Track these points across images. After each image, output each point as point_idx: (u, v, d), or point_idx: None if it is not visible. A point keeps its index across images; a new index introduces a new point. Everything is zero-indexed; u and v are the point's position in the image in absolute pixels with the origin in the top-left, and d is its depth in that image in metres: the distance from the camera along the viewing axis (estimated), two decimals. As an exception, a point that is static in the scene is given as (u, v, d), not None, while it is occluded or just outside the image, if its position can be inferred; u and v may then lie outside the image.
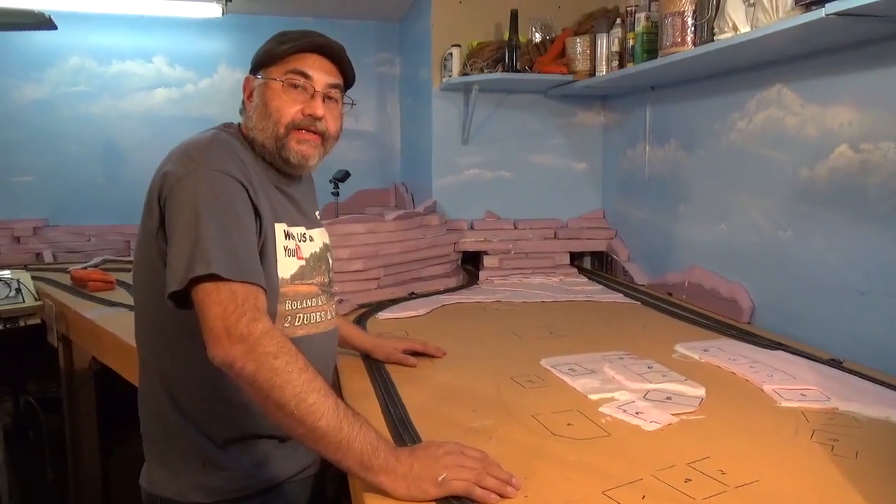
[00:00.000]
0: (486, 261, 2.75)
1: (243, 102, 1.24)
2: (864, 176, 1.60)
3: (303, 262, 1.19)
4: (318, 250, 1.25)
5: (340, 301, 2.11)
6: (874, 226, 1.57)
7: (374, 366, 1.55)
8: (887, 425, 1.22)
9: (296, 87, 1.17)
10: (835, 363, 1.55)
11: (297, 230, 1.20)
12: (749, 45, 1.66)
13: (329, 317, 1.27)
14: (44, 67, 3.31)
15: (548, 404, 1.31)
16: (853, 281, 1.63)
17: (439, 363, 1.60)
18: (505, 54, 2.60)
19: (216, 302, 0.95)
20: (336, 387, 1.57)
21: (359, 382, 1.46)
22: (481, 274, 2.70)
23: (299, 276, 1.18)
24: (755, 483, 0.99)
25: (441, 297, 2.34)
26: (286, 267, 1.16)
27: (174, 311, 1.01)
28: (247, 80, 1.22)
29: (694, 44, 1.89)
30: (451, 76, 2.72)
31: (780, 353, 1.63)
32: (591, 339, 1.80)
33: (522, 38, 2.65)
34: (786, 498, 0.95)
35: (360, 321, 1.99)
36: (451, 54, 2.72)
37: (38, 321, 2.46)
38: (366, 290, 2.28)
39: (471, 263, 2.86)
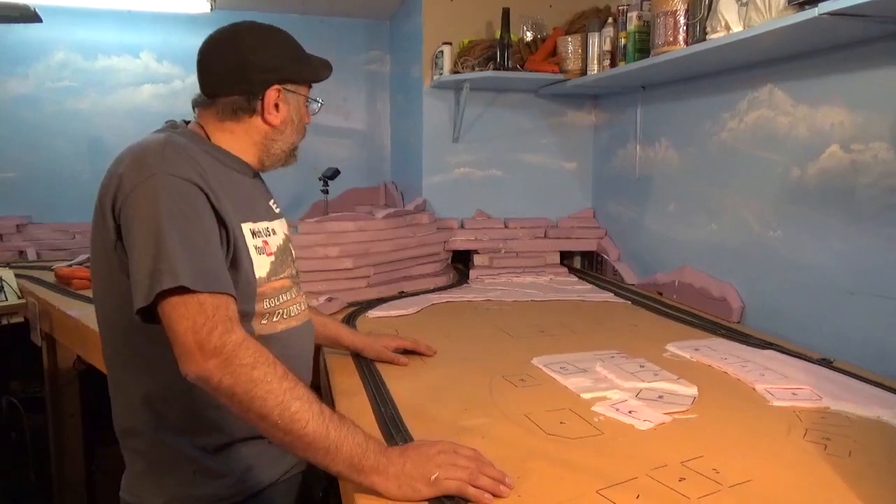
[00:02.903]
0: (477, 260, 2.74)
1: (232, 105, 1.17)
2: (854, 176, 1.60)
3: (273, 258, 1.18)
4: (282, 242, 1.24)
5: (330, 299, 2.10)
6: (864, 226, 1.58)
7: (365, 365, 1.53)
8: (879, 425, 1.22)
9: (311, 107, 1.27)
10: (825, 363, 1.56)
11: (261, 226, 1.18)
12: (741, 45, 1.66)
13: (303, 307, 1.27)
14: (29, 62, 3.26)
15: (540, 403, 1.30)
16: (843, 281, 1.64)
17: (430, 362, 1.59)
18: (496, 53, 2.59)
19: (184, 316, 0.92)
20: (325, 386, 1.55)
21: (349, 381, 1.44)
22: (471, 273, 2.68)
23: (273, 272, 1.17)
24: (749, 482, 0.98)
25: (431, 295, 2.33)
26: (260, 266, 1.14)
27: (145, 325, 0.96)
28: (275, 90, 1.18)
29: (686, 43, 1.89)
30: (441, 74, 2.71)
31: (771, 352, 1.63)
32: (582, 338, 1.79)
33: (514, 37, 2.65)
34: (780, 497, 0.95)
35: (350, 319, 1.97)
36: (441, 52, 2.71)
37: (22, 319, 2.42)
38: (355, 288, 2.27)
39: (461, 262, 2.85)
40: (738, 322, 1.97)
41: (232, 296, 0.98)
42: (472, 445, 1.01)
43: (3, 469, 2.76)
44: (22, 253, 3.17)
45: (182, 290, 0.92)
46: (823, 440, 1.14)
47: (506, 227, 2.84)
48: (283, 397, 0.90)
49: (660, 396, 1.33)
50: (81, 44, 3.31)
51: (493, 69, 2.57)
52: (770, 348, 1.67)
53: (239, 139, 1.20)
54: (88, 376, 2.45)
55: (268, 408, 0.89)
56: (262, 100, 1.18)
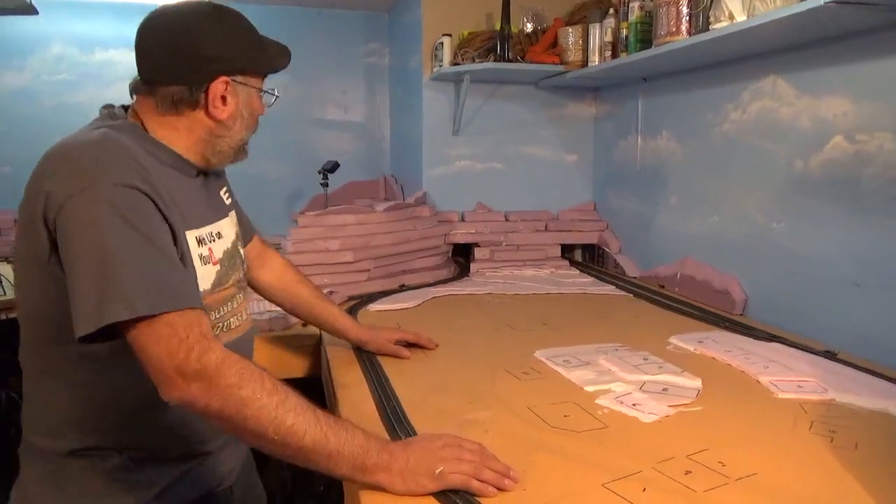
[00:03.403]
0: (477, 253, 2.73)
1: (173, 97, 1.03)
2: (859, 167, 1.59)
3: (218, 267, 1.09)
4: (229, 245, 1.15)
5: (331, 293, 2.08)
6: (869, 217, 1.57)
7: (367, 358, 1.52)
8: (885, 417, 1.21)
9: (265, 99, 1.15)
10: (829, 355, 1.55)
11: (206, 231, 1.09)
12: (745, 35, 1.64)
13: (244, 317, 1.19)
14: (25, 55, 3.23)
15: (544, 396, 1.29)
16: (848, 273, 1.63)
17: (432, 355, 1.58)
18: (496, 44, 2.57)
19: (155, 341, 0.85)
20: (327, 379, 1.54)
21: (351, 375, 1.43)
22: (472, 266, 2.67)
23: (217, 282, 1.09)
24: (756, 475, 0.98)
25: (432, 289, 2.32)
26: (205, 277, 1.06)
27: (70, 340, 0.87)
28: (223, 82, 1.04)
29: (689, 33, 1.87)
30: (441, 66, 2.69)
31: (774, 344, 1.62)
32: (584, 331, 1.78)
33: (514, 28, 2.63)
34: (788, 490, 0.94)
35: (351, 313, 1.95)
36: (441, 44, 2.69)
37: (20, 314, 2.41)
38: (356, 281, 2.26)
39: (461, 255, 2.84)
40: (741, 314, 1.96)
41: (199, 306, 0.91)
42: (475, 439, 1.00)
43: (3, 465, 2.75)
44: (20, 247, 3.15)
45: (146, 317, 0.85)
46: (829, 433, 1.13)
47: (506, 220, 2.83)
48: (275, 412, 0.85)
49: (664, 389, 1.32)
50: (78, 37, 3.28)
51: (494, 61, 2.55)
52: (774, 340, 1.66)
53: (180, 134, 1.06)
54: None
55: (262, 426, 0.85)
56: (207, 92, 1.04)
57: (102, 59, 3.32)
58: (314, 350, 1.79)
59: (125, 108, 1.09)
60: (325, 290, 2.08)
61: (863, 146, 1.58)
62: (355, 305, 2.05)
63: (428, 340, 1.60)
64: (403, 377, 1.40)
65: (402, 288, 2.33)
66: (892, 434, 1.14)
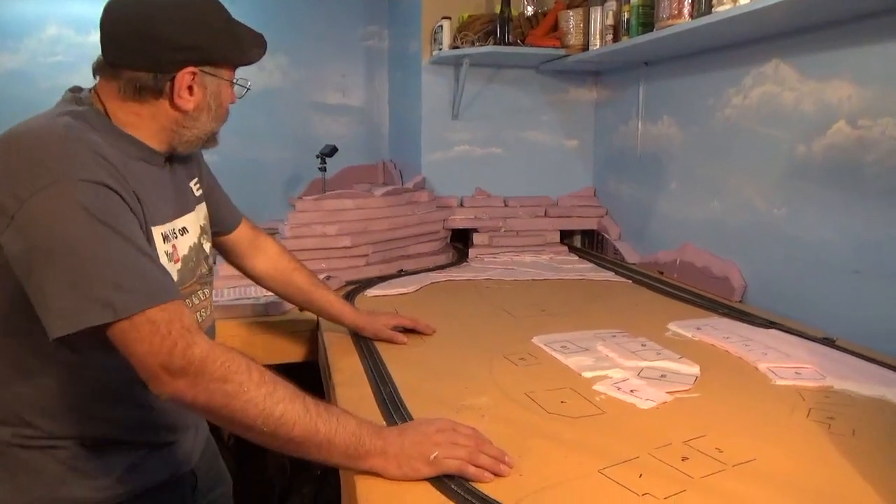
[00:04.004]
0: (476, 238, 2.72)
1: (136, 83, 0.97)
2: (861, 153, 1.57)
3: (179, 265, 1.06)
4: (195, 241, 1.12)
5: (328, 278, 2.08)
6: (871, 204, 1.55)
7: (364, 344, 1.52)
8: (883, 404, 1.21)
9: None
10: (828, 342, 1.54)
11: (170, 227, 1.05)
12: (749, 18, 1.62)
13: (207, 312, 1.16)
14: (20, 37, 3.20)
15: (541, 382, 1.28)
16: (848, 259, 1.62)
17: (430, 341, 1.57)
18: (496, 27, 2.54)
19: (139, 340, 0.83)
20: (324, 366, 1.54)
21: (348, 360, 1.43)
22: (471, 252, 2.66)
23: (181, 281, 1.06)
24: (753, 461, 0.97)
25: (430, 274, 2.31)
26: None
27: (23, 331, 0.87)
28: (191, 72, 0.99)
29: (691, 16, 1.84)
30: (441, 49, 2.66)
31: (773, 331, 1.62)
32: (583, 317, 1.78)
33: (514, 11, 2.59)
34: (784, 476, 0.93)
35: (349, 298, 1.95)
36: (441, 27, 2.66)
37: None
38: (354, 266, 2.25)
39: (460, 241, 2.83)
40: (741, 301, 1.95)
41: (179, 298, 0.89)
42: (472, 424, 0.99)
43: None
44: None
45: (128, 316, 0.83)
46: (827, 419, 1.13)
47: (506, 205, 2.81)
48: (264, 404, 0.85)
49: (662, 375, 1.31)
50: (74, 18, 3.24)
51: (494, 44, 2.52)
52: (772, 327, 1.65)
53: (144, 122, 1.01)
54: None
55: (250, 418, 0.85)
56: (173, 81, 0.99)
57: (98, 40, 3.28)
58: (311, 335, 1.79)
59: (91, 90, 1.04)
60: (322, 276, 2.07)
61: (865, 132, 1.56)
62: (353, 290, 2.05)
63: (426, 326, 1.60)
64: (400, 363, 1.39)
65: (401, 273, 2.32)
66: (889, 420, 1.13)
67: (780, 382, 1.30)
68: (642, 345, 1.48)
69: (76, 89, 1.04)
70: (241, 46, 1.06)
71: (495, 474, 0.90)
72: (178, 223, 1.08)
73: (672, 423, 1.10)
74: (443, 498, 0.86)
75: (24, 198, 0.83)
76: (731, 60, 2.01)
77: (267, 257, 1.44)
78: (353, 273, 2.22)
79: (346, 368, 1.37)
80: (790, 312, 1.77)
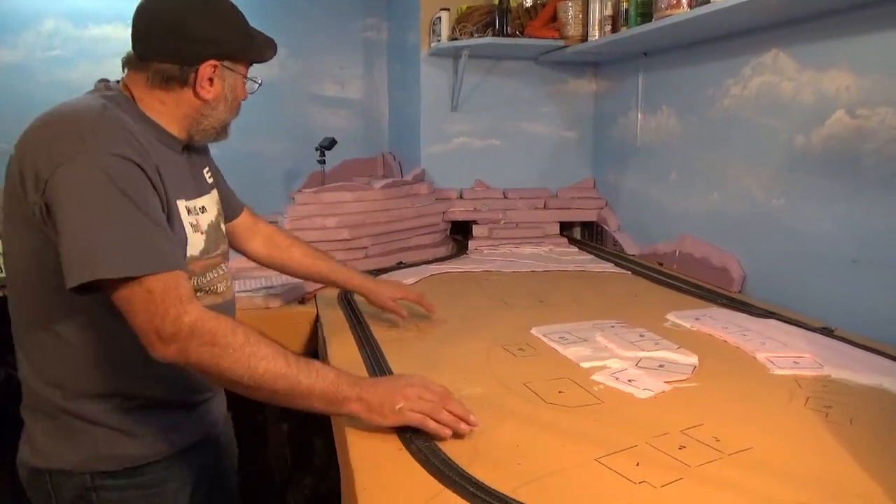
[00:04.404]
0: (476, 230, 2.71)
1: (164, 73, 1.08)
2: (860, 142, 1.57)
3: (205, 237, 1.16)
4: (213, 219, 1.21)
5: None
6: (869, 193, 1.55)
7: (363, 334, 1.52)
8: (880, 392, 1.21)
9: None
10: (826, 331, 1.55)
11: (193, 203, 1.15)
12: (748, 7, 1.61)
13: (229, 284, 1.26)
14: (18, 31, 3.18)
15: (539, 372, 1.29)
16: (847, 249, 1.62)
17: (429, 332, 1.58)
18: (495, 18, 2.53)
19: (136, 310, 0.92)
20: (323, 355, 1.54)
21: (347, 352, 1.43)
22: (471, 244, 2.66)
23: (205, 251, 1.16)
24: (750, 450, 0.98)
25: (430, 266, 2.31)
26: (194, 244, 1.13)
27: (61, 292, 0.93)
28: (212, 65, 1.10)
29: (690, 6, 1.84)
30: (439, 41, 2.66)
31: (772, 321, 1.62)
32: (582, 308, 1.78)
33: (513, 2, 2.59)
34: (781, 464, 0.94)
35: (348, 290, 1.95)
36: (439, 18, 2.65)
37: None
38: (353, 259, 2.25)
39: (460, 233, 2.83)
40: (739, 291, 1.95)
41: (180, 269, 0.97)
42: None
43: (5, 442, 2.77)
44: (17, 225, 3.14)
45: (128, 278, 0.91)
46: (824, 408, 1.13)
47: (505, 197, 2.81)
48: (248, 362, 0.94)
49: (660, 365, 1.32)
50: (72, 12, 3.23)
51: (492, 35, 2.52)
52: (771, 317, 1.66)
53: (168, 109, 1.12)
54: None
55: (237, 376, 0.94)
56: (196, 72, 1.09)
57: (96, 34, 3.27)
58: (311, 327, 1.79)
59: (117, 82, 1.14)
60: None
61: (864, 121, 1.56)
62: (352, 283, 2.05)
63: (429, 305, 1.64)
64: (399, 353, 1.40)
65: (400, 265, 2.32)
66: (886, 409, 1.14)
67: (778, 372, 1.30)
68: (641, 335, 1.48)
69: (104, 80, 1.14)
70: (256, 45, 1.18)
71: (456, 432, 0.97)
72: (199, 202, 1.18)
73: (670, 413, 1.11)
74: (441, 486, 0.87)
75: (57, 164, 0.93)
76: (730, 50, 2.01)
77: (265, 238, 1.53)
78: (353, 265, 2.21)
79: (344, 360, 1.38)
80: (789, 302, 1.77)
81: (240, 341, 0.94)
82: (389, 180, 2.61)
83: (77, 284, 0.90)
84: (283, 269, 1.57)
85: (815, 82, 1.70)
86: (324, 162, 3.11)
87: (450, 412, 0.99)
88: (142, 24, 1.08)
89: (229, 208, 1.39)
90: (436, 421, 0.98)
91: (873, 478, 0.90)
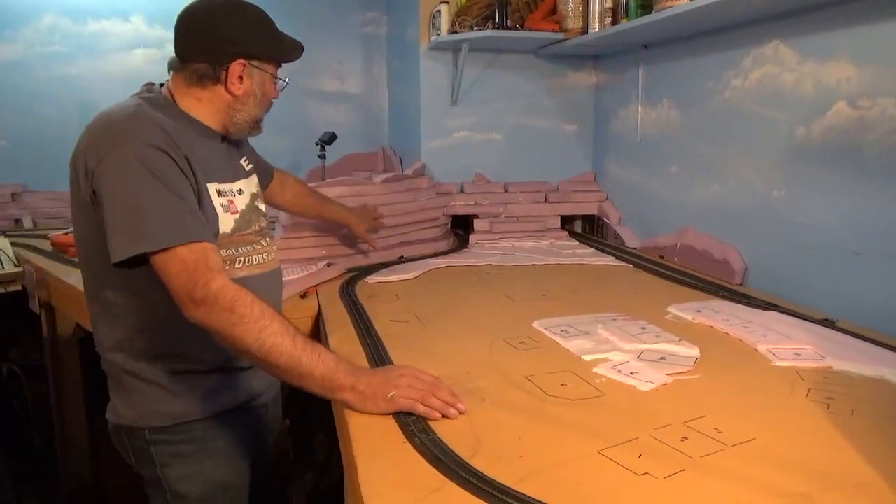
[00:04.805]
0: (477, 224, 2.71)
1: (199, 72, 1.23)
2: (861, 133, 1.57)
3: (237, 216, 1.28)
4: (248, 200, 1.34)
5: (329, 265, 2.08)
6: (871, 184, 1.55)
7: (365, 329, 1.53)
8: (882, 384, 1.21)
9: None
10: (827, 323, 1.55)
11: (227, 186, 1.28)
12: (748, -2, 1.61)
13: (271, 257, 1.38)
14: (16, 26, 3.18)
15: (541, 366, 1.29)
16: (848, 241, 1.62)
17: (431, 326, 1.58)
18: (495, 12, 2.52)
19: (172, 276, 1.06)
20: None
21: (349, 347, 1.43)
22: (471, 237, 2.66)
23: (237, 229, 1.28)
24: (752, 441, 0.98)
25: (431, 260, 2.31)
26: (225, 223, 1.25)
27: (126, 272, 1.10)
28: (240, 63, 1.24)
29: (690, -2, 1.83)
30: (439, 35, 2.65)
31: (773, 313, 1.62)
32: (583, 302, 1.78)
33: (513, -5, 2.58)
34: (782, 456, 0.94)
35: (350, 285, 1.96)
36: (439, 12, 2.64)
37: (19, 288, 2.41)
38: (354, 253, 2.25)
39: (461, 227, 2.83)
40: (741, 284, 1.96)
41: (209, 241, 1.10)
42: (472, 408, 1.02)
43: (7, 436, 2.78)
44: (18, 221, 3.14)
45: (164, 248, 1.05)
46: (826, 399, 1.13)
47: (506, 191, 2.81)
48: (258, 334, 1.04)
49: (661, 358, 1.32)
50: (70, 7, 3.22)
51: (492, 29, 2.51)
52: (772, 309, 1.66)
53: (203, 105, 1.26)
54: (89, 342, 2.45)
55: (246, 343, 1.05)
56: (227, 70, 1.24)
57: (96, 29, 3.27)
58: (313, 322, 1.79)
59: (161, 84, 1.30)
60: (323, 262, 2.08)
61: (865, 112, 1.55)
62: (354, 277, 2.05)
63: (373, 241, 2.11)
64: (401, 347, 1.40)
65: (401, 260, 2.32)
66: (888, 400, 1.14)
67: (779, 364, 1.31)
68: (642, 328, 1.49)
69: (150, 84, 1.30)
70: (283, 48, 1.31)
71: (444, 416, 1.04)
72: (235, 185, 1.31)
73: (671, 405, 1.11)
74: (444, 478, 0.87)
75: (101, 157, 1.09)
76: (730, 42, 2.00)
77: (289, 190, 1.83)
78: (354, 260, 2.22)
79: (346, 354, 1.37)
80: (790, 294, 1.77)
81: (255, 314, 1.05)
82: (390, 175, 2.61)
83: (121, 259, 1.05)
84: (300, 213, 1.97)
85: (815, 73, 1.70)
86: (324, 157, 3.11)
87: (439, 399, 1.05)
88: (181, 29, 1.24)
89: (265, 177, 1.62)
90: (425, 405, 1.04)
91: (875, 469, 0.90)
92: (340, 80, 3.59)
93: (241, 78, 1.25)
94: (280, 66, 1.33)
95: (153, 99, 1.23)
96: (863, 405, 1.11)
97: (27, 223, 3.13)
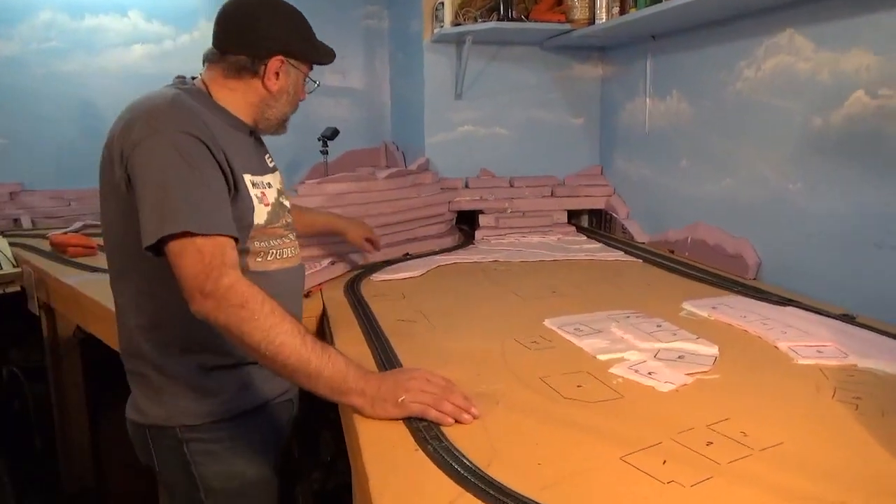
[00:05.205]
0: (482, 220, 2.67)
1: (238, 64, 1.24)
2: (881, 123, 1.52)
3: (269, 209, 1.28)
4: (276, 195, 1.34)
5: (333, 263, 2.04)
6: (893, 175, 1.50)
7: (372, 330, 1.48)
8: (910, 382, 1.17)
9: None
10: (847, 318, 1.50)
11: (259, 178, 1.28)
12: (763, -15, 1.56)
13: (297, 251, 1.39)
14: (13, 22, 3.13)
15: (555, 366, 1.25)
16: (868, 233, 1.57)
17: (439, 324, 1.54)
18: (499, 3, 2.47)
19: (186, 264, 1.04)
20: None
21: (356, 349, 1.39)
22: (477, 233, 2.62)
23: (269, 221, 1.28)
24: (780, 445, 0.93)
25: (436, 257, 2.27)
26: (260, 214, 1.25)
27: (146, 257, 1.07)
28: (279, 60, 1.26)
29: (702, -15, 1.78)
30: (442, 27, 2.60)
31: (790, 308, 1.58)
32: (594, 298, 1.74)
33: (517, -14, 2.53)
34: (815, 461, 0.90)
35: (355, 282, 1.92)
36: (442, 4, 2.59)
37: (18, 289, 2.37)
38: (359, 251, 2.20)
39: (466, 223, 2.78)
40: (755, 279, 1.91)
41: (230, 236, 1.08)
42: (486, 412, 0.98)
43: (8, 438, 2.75)
44: (16, 221, 3.10)
45: (184, 235, 1.03)
46: (854, 399, 1.09)
47: (511, 185, 2.76)
48: (268, 332, 1.02)
49: (680, 357, 1.28)
50: (68, 2, 3.17)
51: (497, 20, 2.46)
52: (789, 304, 1.61)
53: (237, 97, 1.27)
54: (90, 343, 2.41)
55: (255, 341, 1.02)
56: (266, 65, 1.25)
57: (92, 24, 3.22)
58: (318, 321, 1.75)
59: (194, 78, 1.31)
60: (327, 260, 2.04)
61: (886, 101, 1.51)
62: (359, 275, 2.01)
63: (369, 248, 1.97)
64: (409, 348, 1.36)
65: (407, 257, 2.28)
66: (918, 400, 1.10)
67: (801, 361, 1.26)
68: (658, 325, 1.44)
69: (181, 77, 1.30)
70: (318, 50, 1.34)
71: (457, 421, 1.00)
72: (264, 179, 1.31)
73: (693, 407, 1.07)
74: (459, 488, 0.83)
75: (135, 144, 1.09)
76: (742, 31, 1.95)
77: None
78: (358, 257, 2.17)
79: (352, 354, 1.33)
80: (806, 289, 1.73)
81: (266, 311, 1.03)
82: (393, 170, 2.57)
83: (151, 242, 1.04)
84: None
85: (832, 62, 1.65)
86: (326, 152, 3.07)
87: (451, 402, 1.02)
88: (223, 22, 1.25)
89: None
90: (438, 410, 1.00)
91: (912, 474, 0.86)
92: (342, 75, 3.54)
93: (277, 74, 1.27)
94: (312, 68, 1.36)
95: (188, 90, 1.24)
96: (893, 405, 1.06)
97: (26, 223, 3.08)
